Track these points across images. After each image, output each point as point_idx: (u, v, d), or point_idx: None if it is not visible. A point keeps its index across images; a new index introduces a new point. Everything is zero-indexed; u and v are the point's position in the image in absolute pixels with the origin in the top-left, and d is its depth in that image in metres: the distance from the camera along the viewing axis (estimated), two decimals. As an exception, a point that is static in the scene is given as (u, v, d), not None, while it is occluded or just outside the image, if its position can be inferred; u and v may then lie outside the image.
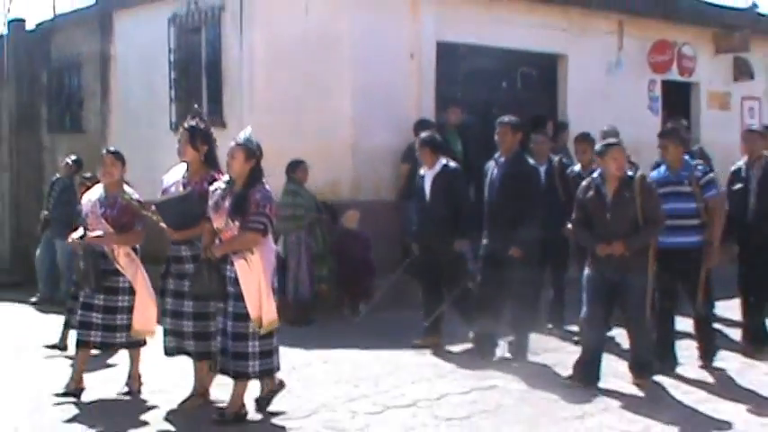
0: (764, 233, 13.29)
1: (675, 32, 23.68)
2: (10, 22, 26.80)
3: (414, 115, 17.72)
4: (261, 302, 9.94)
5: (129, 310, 11.27)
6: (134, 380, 11.67)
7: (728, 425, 10.19)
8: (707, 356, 12.68)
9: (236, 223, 9.88)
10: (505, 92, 20.53)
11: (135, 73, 21.89)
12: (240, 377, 10.18)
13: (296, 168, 16.63)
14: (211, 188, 10.24)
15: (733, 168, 13.95)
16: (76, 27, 24.37)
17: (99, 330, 11.31)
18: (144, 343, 11.68)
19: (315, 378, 12.79)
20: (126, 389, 11.62)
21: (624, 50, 22.53)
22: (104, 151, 11.92)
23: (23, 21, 26.83)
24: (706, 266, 12.24)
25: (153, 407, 10.99)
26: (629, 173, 11.77)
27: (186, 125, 10.96)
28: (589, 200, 11.69)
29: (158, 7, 20.88)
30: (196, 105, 17.94)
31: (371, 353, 13.98)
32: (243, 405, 10.34)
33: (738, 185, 13.57)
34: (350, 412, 10.94)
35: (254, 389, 10.59)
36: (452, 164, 14.17)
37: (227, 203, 9.95)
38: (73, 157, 19.10)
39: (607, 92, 21.59)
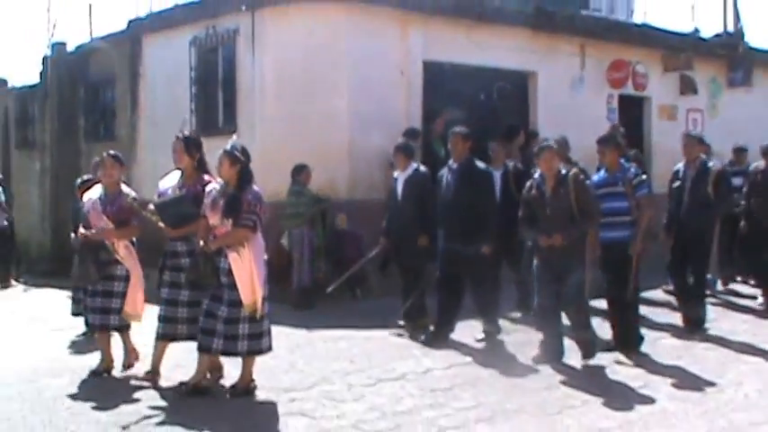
0: (694, 226, 13.48)
1: (630, 53, 23.68)
2: (53, 44, 27.08)
3: (403, 124, 17.70)
4: (254, 289, 9.96)
5: (123, 295, 11.23)
6: (130, 353, 11.68)
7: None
8: (631, 342, 12.48)
9: (229, 221, 9.92)
10: (483, 104, 20.48)
11: (160, 88, 21.91)
12: (229, 355, 10.24)
13: (300, 172, 16.63)
14: (208, 189, 10.29)
15: (674, 168, 14.17)
16: (110, 49, 24.23)
17: (97, 314, 11.34)
18: (129, 327, 11.64)
19: (316, 355, 12.85)
20: (127, 366, 11.65)
21: (586, 69, 22.52)
22: (105, 154, 11.85)
23: (64, 44, 27.05)
24: (636, 256, 12.14)
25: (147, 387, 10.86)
26: (563, 171, 11.79)
27: (181, 136, 10.98)
28: (532, 197, 11.77)
29: (181, 31, 20.96)
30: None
31: (365, 333, 14.04)
32: (252, 380, 10.37)
33: (677, 183, 13.76)
34: (347, 384, 11.00)
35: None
36: (422, 168, 14.14)
37: (221, 203, 9.97)
38: (98, 159, 19.09)
39: (571, 104, 21.59)
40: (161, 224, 10.64)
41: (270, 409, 9.90)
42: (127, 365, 11.61)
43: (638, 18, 27.32)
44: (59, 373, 11.65)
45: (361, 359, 12.43)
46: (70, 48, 26.78)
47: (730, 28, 29.49)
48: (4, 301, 20.82)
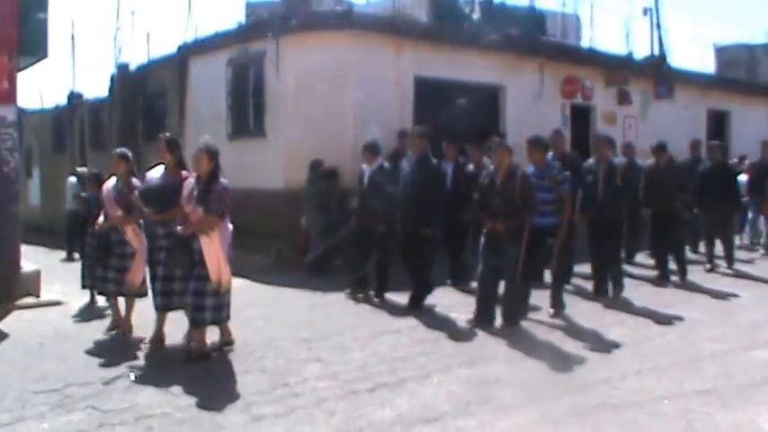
0: (608, 214, 13.05)
1: (579, 71, 23.55)
2: (118, 65, 27.64)
3: (397, 126, 17.47)
4: (220, 268, 9.51)
5: (129, 269, 10.97)
6: (126, 321, 11.18)
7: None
8: (557, 305, 12.30)
9: (200, 208, 9.46)
10: (462, 111, 20.18)
11: (203, 99, 21.78)
12: (197, 325, 9.69)
13: (316, 166, 16.46)
14: (186, 183, 9.83)
15: (585, 165, 13.65)
16: (163, 68, 24.24)
17: (112, 283, 11.10)
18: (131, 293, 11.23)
19: (329, 313, 12.66)
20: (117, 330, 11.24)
21: (544, 83, 22.28)
22: (114, 152, 11.63)
23: (127, 64, 27.42)
24: (559, 240, 11.97)
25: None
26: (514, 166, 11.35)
27: (165, 137, 10.57)
28: (486, 186, 11.36)
29: (220, 53, 20.87)
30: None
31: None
32: (206, 345, 9.83)
33: (590, 177, 13.24)
34: (353, 337, 10.85)
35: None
36: (386, 164, 13.74)
37: (195, 193, 9.54)
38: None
39: (533, 112, 21.31)
40: (145, 209, 10.37)
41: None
42: (124, 329, 11.14)
43: (584, 43, 27.33)
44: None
45: (364, 316, 12.28)
46: (132, 68, 27.09)
47: (656, 52, 29.73)
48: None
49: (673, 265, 15.32)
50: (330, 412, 7.66)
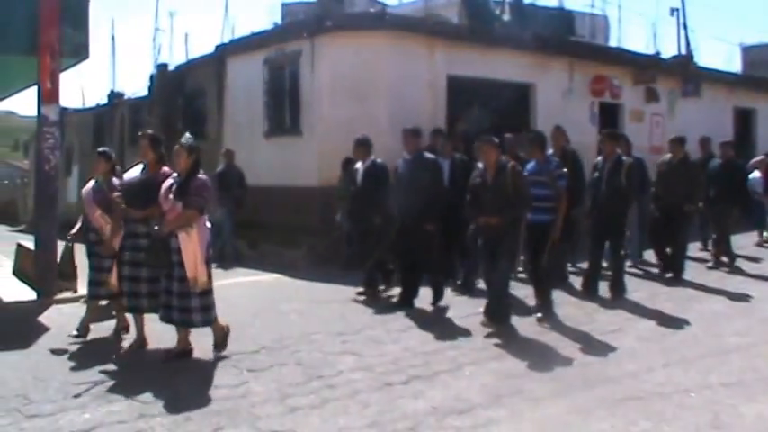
0: (610, 211, 12.75)
1: (607, 70, 23.50)
2: (158, 65, 27.84)
3: (430, 125, 17.34)
4: (197, 266, 9.11)
5: (111, 270, 10.26)
6: (121, 321, 10.77)
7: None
8: (545, 302, 11.64)
9: (179, 203, 9.11)
10: (494, 110, 20.14)
11: (240, 98, 21.87)
12: (186, 326, 9.38)
13: (347, 164, 16.39)
14: (167, 182, 9.39)
15: (594, 162, 13.38)
16: (201, 68, 24.39)
17: (92, 285, 10.63)
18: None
19: (362, 307, 12.64)
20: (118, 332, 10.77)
21: (573, 82, 22.28)
22: (97, 151, 11.25)
23: (167, 65, 27.75)
24: (552, 238, 11.45)
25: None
26: (503, 161, 10.93)
27: (148, 134, 10.14)
28: (477, 184, 10.92)
29: (256, 53, 20.99)
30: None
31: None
32: (188, 343, 9.52)
33: (596, 174, 13.02)
34: (386, 330, 10.86)
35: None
36: (379, 160, 13.37)
37: (174, 189, 9.18)
38: (227, 149, 19.02)
39: (563, 109, 21.24)
40: (124, 206, 9.83)
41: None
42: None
43: (612, 43, 27.32)
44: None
45: (395, 310, 12.18)
46: (171, 67, 27.27)
47: (683, 51, 29.71)
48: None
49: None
50: (364, 404, 7.67)
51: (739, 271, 15.80)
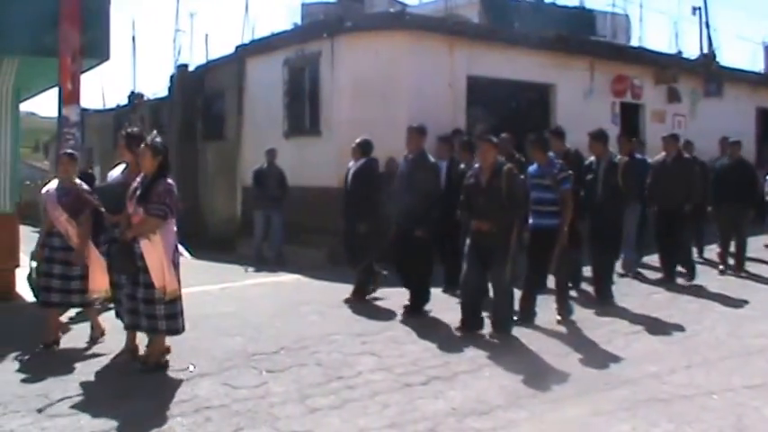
0: (606, 213, 12.33)
1: (628, 70, 23.38)
2: (178, 66, 27.92)
3: (450, 126, 17.39)
4: (164, 274, 8.68)
5: (82, 277, 9.99)
6: (96, 329, 10.48)
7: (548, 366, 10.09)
8: (563, 311, 11.45)
9: (141, 209, 8.66)
10: (514, 110, 20.14)
11: (260, 98, 21.90)
12: (152, 333, 8.94)
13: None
14: (133, 184, 9.00)
15: (586, 162, 12.88)
16: (221, 68, 24.49)
17: (57, 293, 10.00)
18: (94, 302, 10.42)
19: (381, 308, 12.59)
20: (90, 340, 10.38)
21: (594, 82, 22.16)
22: (62, 153, 10.73)
23: (186, 65, 27.98)
24: (560, 243, 10.97)
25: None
26: (500, 163, 10.46)
27: (124, 133, 9.92)
28: (471, 186, 10.51)
29: (276, 54, 21.02)
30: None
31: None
32: (162, 354, 9.08)
33: (590, 176, 12.54)
34: (405, 330, 10.83)
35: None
36: (363, 160, 12.82)
37: (138, 194, 8.77)
38: (270, 147, 19.05)
39: (584, 110, 21.18)
40: (102, 209, 9.76)
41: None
42: (92, 339, 10.42)
43: (634, 42, 27.26)
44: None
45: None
46: (191, 68, 27.39)
47: (705, 50, 29.61)
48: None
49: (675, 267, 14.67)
50: (384, 404, 7.68)
51: (759, 275, 15.50)
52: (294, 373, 8.80)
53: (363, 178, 12.71)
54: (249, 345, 9.92)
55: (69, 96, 13.27)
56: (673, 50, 27.26)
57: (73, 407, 7.69)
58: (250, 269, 17.04)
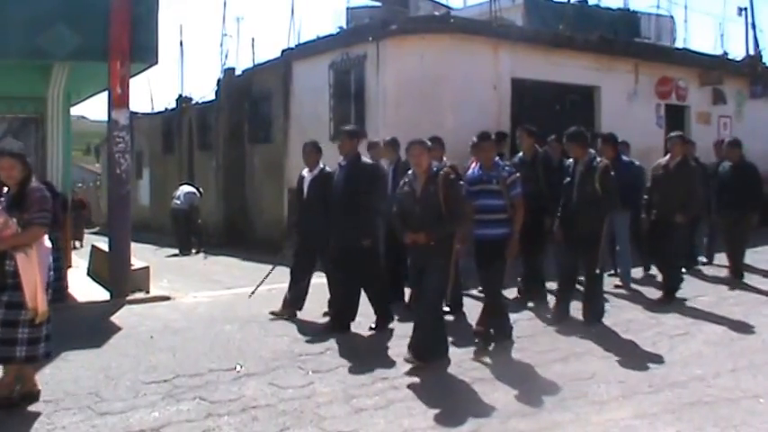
0: (580, 222, 10.85)
1: (673, 71, 23.32)
2: (225, 70, 28.11)
3: (495, 128, 17.25)
4: (36, 294, 7.43)
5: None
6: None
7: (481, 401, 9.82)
8: (499, 333, 9.94)
9: (14, 221, 7.46)
10: (558, 112, 20.08)
11: (306, 101, 22.09)
12: (7, 362, 7.69)
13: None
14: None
15: (565, 165, 11.60)
16: (268, 72, 24.59)
17: None
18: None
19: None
20: None
21: (639, 84, 22.12)
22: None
23: (233, 69, 28.06)
24: (509, 255, 9.74)
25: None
26: (435, 168, 9.20)
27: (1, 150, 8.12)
28: (404, 194, 9.24)
29: (322, 58, 21.24)
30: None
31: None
32: (33, 384, 7.91)
33: (567, 179, 11.24)
34: (449, 332, 10.28)
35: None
36: (328, 169, 11.43)
37: (3, 205, 7.60)
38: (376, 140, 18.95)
39: (628, 112, 21.21)
40: None
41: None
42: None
43: (678, 43, 27.05)
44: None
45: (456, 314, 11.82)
46: (238, 72, 27.53)
47: (751, 51, 29.33)
48: (187, 265, 20.92)
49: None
50: (428, 405, 7.66)
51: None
52: (340, 374, 8.80)
53: (324, 188, 11.44)
54: (295, 345, 9.96)
55: (118, 100, 13.41)
56: (718, 52, 26.96)
57: (124, 402, 7.75)
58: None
